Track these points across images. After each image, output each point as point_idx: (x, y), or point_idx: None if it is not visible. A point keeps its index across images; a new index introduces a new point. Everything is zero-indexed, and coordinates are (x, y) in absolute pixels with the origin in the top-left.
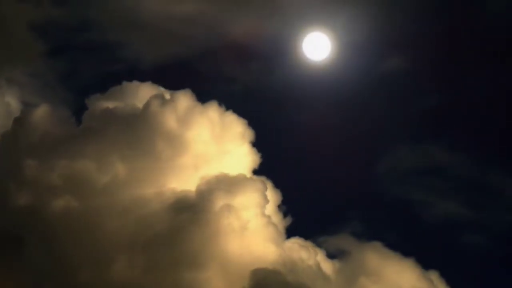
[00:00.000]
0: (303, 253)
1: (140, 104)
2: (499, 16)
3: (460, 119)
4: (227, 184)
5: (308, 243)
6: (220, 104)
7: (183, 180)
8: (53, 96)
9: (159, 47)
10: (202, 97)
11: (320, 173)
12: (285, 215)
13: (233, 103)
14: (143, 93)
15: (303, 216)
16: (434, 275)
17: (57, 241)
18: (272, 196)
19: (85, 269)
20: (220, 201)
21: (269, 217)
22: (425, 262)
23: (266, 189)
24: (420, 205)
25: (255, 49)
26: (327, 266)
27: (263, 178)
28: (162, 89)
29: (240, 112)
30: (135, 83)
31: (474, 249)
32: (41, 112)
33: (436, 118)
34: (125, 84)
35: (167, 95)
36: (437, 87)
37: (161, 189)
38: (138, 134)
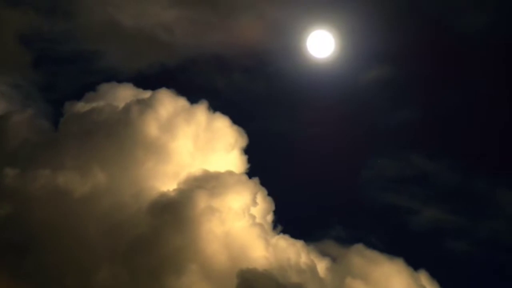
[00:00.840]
0: (292, 252)
1: (118, 105)
2: (477, 32)
3: (439, 129)
4: (211, 183)
5: (298, 242)
6: (209, 106)
7: (164, 181)
8: (33, 105)
9: (140, 56)
10: (191, 100)
11: (306, 178)
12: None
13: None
14: (121, 95)
15: (288, 221)
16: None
17: (39, 250)
18: (260, 195)
19: (67, 278)
20: (202, 202)
21: (254, 217)
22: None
23: (255, 190)
24: (404, 211)
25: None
26: (318, 266)
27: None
28: (141, 90)
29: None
30: (113, 84)
31: (457, 254)
32: (20, 120)
33: (416, 129)
34: (102, 86)
35: (146, 95)
36: (414, 100)
37: (141, 192)
38: (117, 137)
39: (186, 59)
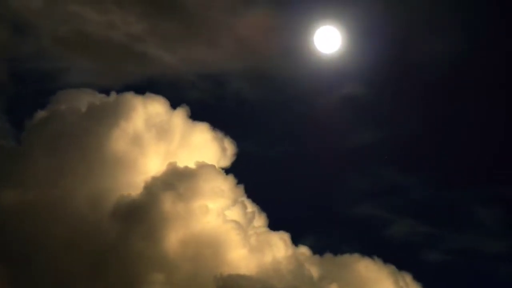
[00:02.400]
0: (279, 253)
1: (80, 110)
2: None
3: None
4: (182, 182)
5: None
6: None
7: (129, 185)
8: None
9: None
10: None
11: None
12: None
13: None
14: (81, 99)
15: None
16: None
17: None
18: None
19: None
20: (170, 204)
21: (231, 217)
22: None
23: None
24: (379, 222)
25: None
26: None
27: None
28: (104, 96)
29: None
30: (70, 90)
31: (432, 264)
32: None
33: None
34: (62, 93)
35: (110, 99)
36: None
37: (104, 198)
38: (80, 143)
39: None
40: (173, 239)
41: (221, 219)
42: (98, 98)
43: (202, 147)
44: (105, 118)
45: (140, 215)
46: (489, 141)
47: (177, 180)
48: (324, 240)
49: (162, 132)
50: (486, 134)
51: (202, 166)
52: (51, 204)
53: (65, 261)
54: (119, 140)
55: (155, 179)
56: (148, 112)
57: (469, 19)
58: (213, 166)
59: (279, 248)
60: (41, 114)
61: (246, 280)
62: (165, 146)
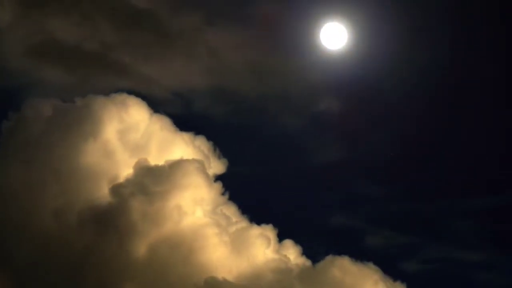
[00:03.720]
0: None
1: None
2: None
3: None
4: (153, 180)
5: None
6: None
7: (96, 190)
8: None
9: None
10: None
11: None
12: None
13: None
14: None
15: None
16: None
17: None
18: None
19: None
20: (140, 205)
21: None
22: None
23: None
24: (357, 232)
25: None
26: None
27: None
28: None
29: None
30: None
31: (410, 272)
32: None
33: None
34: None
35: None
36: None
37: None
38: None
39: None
40: (144, 244)
41: (199, 216)
42: (63, 105)
43: (171, 145)
44: (70, 125)
45: (107, 223)
46: (465, 154)
47: (147, 180)
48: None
49: (130, 135)
50: (463, 148)
51: (173, 164)
52: (13, 219)
53: (32, 279)
54: (84, 147)
55: (123, 183)
56: (117, 117)
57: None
58: (186, 162)
59: (260, 250)
60: (6, 124)
61: (227, 285)
62: (132, 149)
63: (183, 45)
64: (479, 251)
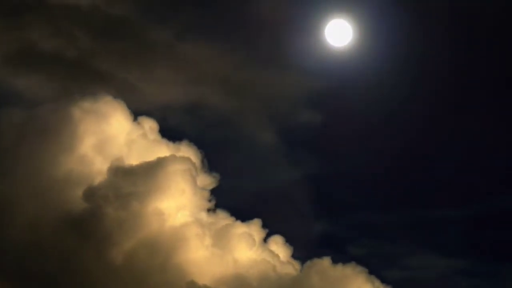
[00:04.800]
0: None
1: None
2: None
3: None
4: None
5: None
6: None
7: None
8: None
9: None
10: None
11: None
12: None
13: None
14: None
15: None
16: None
17: None
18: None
19: None
20: (114, 211)
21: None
22: None
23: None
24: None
25: None
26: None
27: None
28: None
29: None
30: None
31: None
32: None
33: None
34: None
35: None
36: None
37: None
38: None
39: None
40: (121, 250)
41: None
42: (37, 114)
43: (152, 153)
44: (45, 134)
45: (83, 230)
46: (447, 164)
47: (123, 183)
48: None
49: (109, 142)
50: (445, 157)
51: (150, 164)
52: None
53: None
54: (61, 156)
55: (96, 187)
56: (95, 124)
57: None
58: (163, 161)
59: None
60: None
61: None
62: (111, 157)
63: (161, 54)
64: (461, 259)
